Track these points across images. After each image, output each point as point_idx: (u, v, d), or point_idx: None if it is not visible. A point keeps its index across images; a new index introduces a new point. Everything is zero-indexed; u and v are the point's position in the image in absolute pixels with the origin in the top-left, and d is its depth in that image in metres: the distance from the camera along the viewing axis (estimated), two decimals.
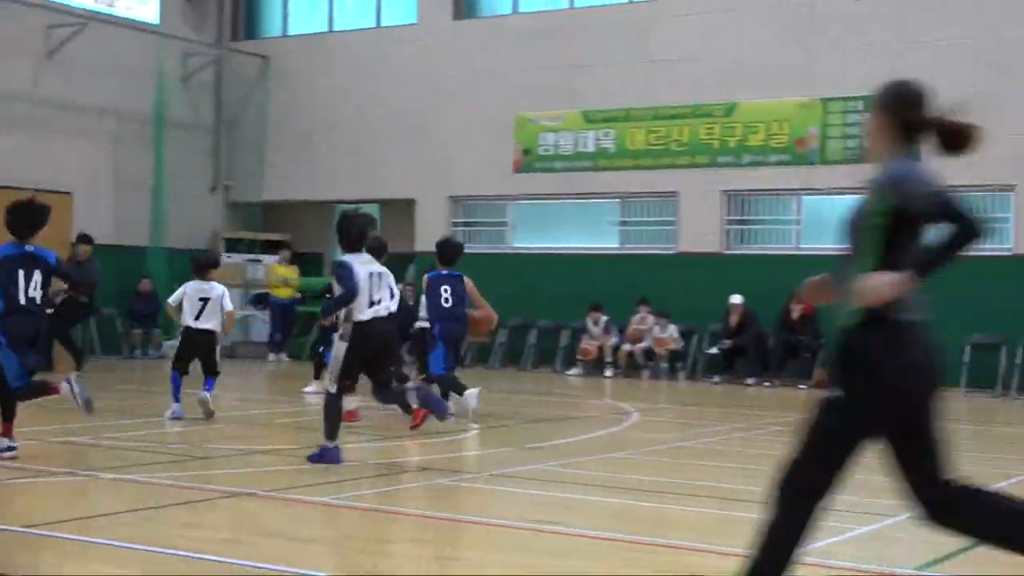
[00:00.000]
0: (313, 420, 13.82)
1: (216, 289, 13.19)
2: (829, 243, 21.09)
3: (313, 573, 6.01)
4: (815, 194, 21.19)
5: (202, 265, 13.33)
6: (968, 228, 4.45)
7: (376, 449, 11.07)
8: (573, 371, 21.75)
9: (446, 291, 13.74)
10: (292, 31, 26.41)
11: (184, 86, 25.41)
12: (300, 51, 25.83)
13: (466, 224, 24.06)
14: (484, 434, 12.30)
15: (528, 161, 23.25)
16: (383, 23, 25.26)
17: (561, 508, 8.24)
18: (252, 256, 25.70)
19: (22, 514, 7.55)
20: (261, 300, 24.80)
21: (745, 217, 21.82)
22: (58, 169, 22.82)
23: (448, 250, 14.00)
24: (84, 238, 18.95)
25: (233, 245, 25.63)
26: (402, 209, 24.58)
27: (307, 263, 25.52)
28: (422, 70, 24.25)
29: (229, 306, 13.27)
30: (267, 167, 25.88)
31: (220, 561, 6.23)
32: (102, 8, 23.99)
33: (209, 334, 13.09)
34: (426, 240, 24.11)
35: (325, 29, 25.94)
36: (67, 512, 7.75)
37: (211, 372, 13.03)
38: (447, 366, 13.53)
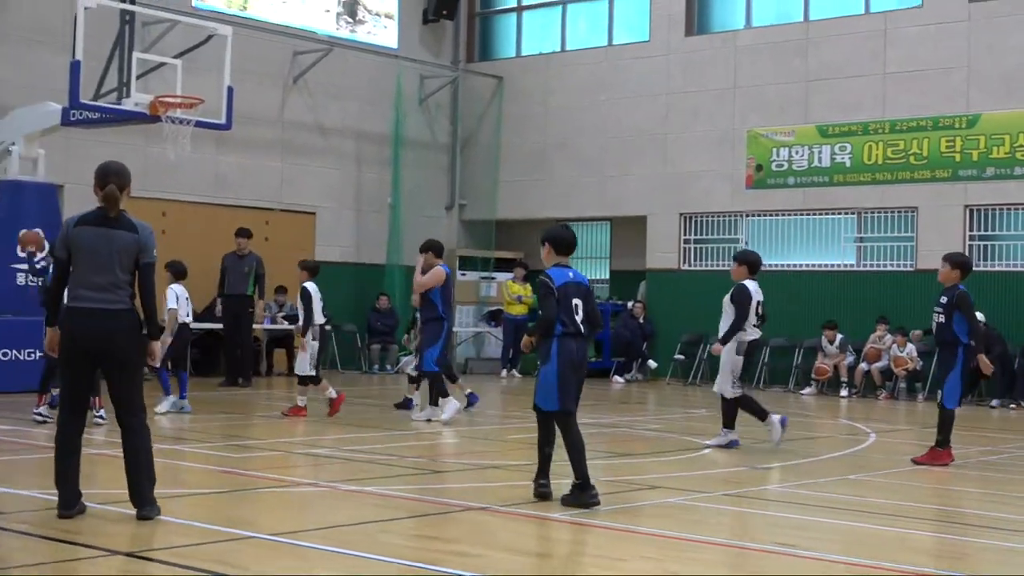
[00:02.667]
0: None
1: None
2: None
3: None
4: None
5: None
6: None
7: (609, 466, 11.10)
8: (807, 390, 21.33)
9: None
10: (526, 51, 26.77)
11: (421, 107, 26.06)
12: (534, 70, 26.17)
13: (697, 241, 23.89)
14: (717, 453, 12.19)
15: (761, 176, 22.96)
16: (615, 41, 25.35)
17: (796, 530, 8.10)
18: (486, 274, 26.15)
19: (268, 522, 7.86)
20: (495, 317, 25.19)
21: (988, 232, 21.01)
22: (303, 189, 23.76)
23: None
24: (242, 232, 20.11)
25: (467, 263, 26.11)
26: (633, 226, 24.59)
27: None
28: (654, 87, 24.25)
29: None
30: (501, 185, 26.28)
31: (452, 573, 6.35)
32: (345, 34, 24.85)
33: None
34: (657, 257, 24.11)
35: (558, 48, 26.21)
36: (309, 521, 8.03)
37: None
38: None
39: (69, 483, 7.50)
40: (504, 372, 23.78)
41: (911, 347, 20.36)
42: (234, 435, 12.86)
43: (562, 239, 9.14)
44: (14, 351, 16.47)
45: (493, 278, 25.97)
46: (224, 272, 19.77)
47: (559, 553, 7.16)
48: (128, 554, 6.62)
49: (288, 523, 7.85)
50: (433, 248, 15.07)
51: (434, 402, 14.42)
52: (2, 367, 16.32)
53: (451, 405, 14.26)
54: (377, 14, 25.60)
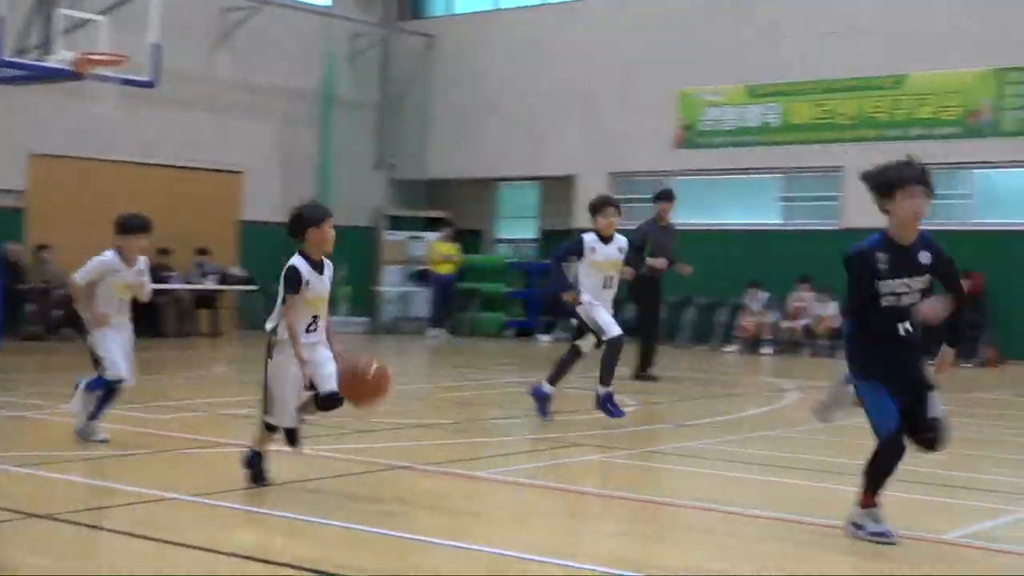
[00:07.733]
0: (472, 395, 13.97)
1: None
2: (1004, 217, 20.50)
3: (466, 545, 6.11)
4: (988, 168, 20.59)
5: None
6: None
7: (529, 425, 11.16)
8: (730, 348, 21.57)
9: None
10: (458, 10, 26.64)
11: (351, 66, 25.87)
12: (465, 29, 26.06)
13: (626, 200, 23.91)
14: (639, 411, 12.30)
15: (690, 136, 23.08)
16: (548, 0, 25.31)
17: (718, 486, 8.20)
18: (414, 233, 26.07)
19: (193, 483, 7.82)
20: (423, 276, 25.16)
21: None
22: (230, 148, 23.53)
23: None
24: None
25: (396, 222, 26.02)
26: (561, 186, 24.63)
27: (468, 240, 25.78)
28: (585, 47, 24.25)
29: None
30: (430, 145, 26.19)
31: (376, 532, 6.37)
32: None
33: None
34: (585, 217, 24.12)
35: (490, 7, 26.11)
36: (233, 482, 8.00)
37: None
38: None
39: None
40: (432, 331, 23.80)
41: (833, 305, 20.65)
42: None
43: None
44: None
45: (421, 238, 25.91)
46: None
47: (479, 511, 7.19)
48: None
49: (214, 484, 7.83)
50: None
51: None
52: None
53: None
54: None
